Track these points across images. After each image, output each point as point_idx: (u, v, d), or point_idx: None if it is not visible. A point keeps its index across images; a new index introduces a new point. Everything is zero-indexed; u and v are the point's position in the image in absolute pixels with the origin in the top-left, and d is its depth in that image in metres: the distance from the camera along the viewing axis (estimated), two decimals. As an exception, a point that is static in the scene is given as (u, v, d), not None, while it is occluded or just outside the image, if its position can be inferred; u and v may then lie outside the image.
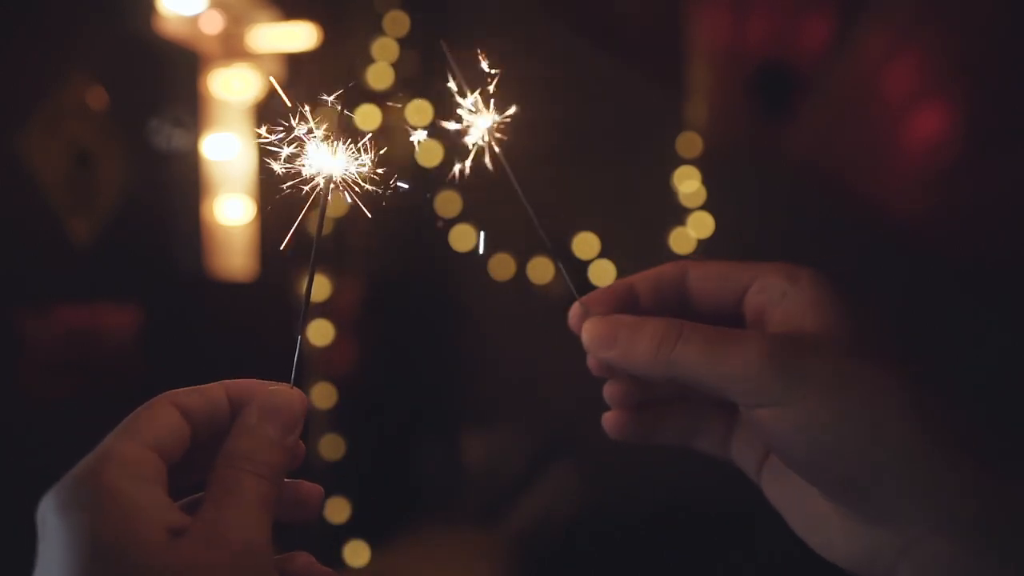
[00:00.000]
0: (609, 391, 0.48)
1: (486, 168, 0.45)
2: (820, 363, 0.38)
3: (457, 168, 0.45)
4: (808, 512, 0.42)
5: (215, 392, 0.40)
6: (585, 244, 2.33)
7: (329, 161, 0.43)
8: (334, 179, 0.43)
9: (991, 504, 0.35)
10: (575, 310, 0.46)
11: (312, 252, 0.43)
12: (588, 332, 0.44)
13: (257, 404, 0.39)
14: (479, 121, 0.45)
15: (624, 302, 0.46)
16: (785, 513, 0.44)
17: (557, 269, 0.46)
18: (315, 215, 0.43)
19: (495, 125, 0.45)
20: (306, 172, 0.43)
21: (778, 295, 0.42)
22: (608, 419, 0.48)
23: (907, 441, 0.36)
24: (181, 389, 0.40)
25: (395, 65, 2.15)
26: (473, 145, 0.45)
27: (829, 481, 0.38)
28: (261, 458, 0.38)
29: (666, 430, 0.48)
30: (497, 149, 0.45)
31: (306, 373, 2.02)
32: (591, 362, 0.46)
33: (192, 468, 0.39)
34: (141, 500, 0.34)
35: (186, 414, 0.39)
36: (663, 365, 0.41)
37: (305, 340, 0.44)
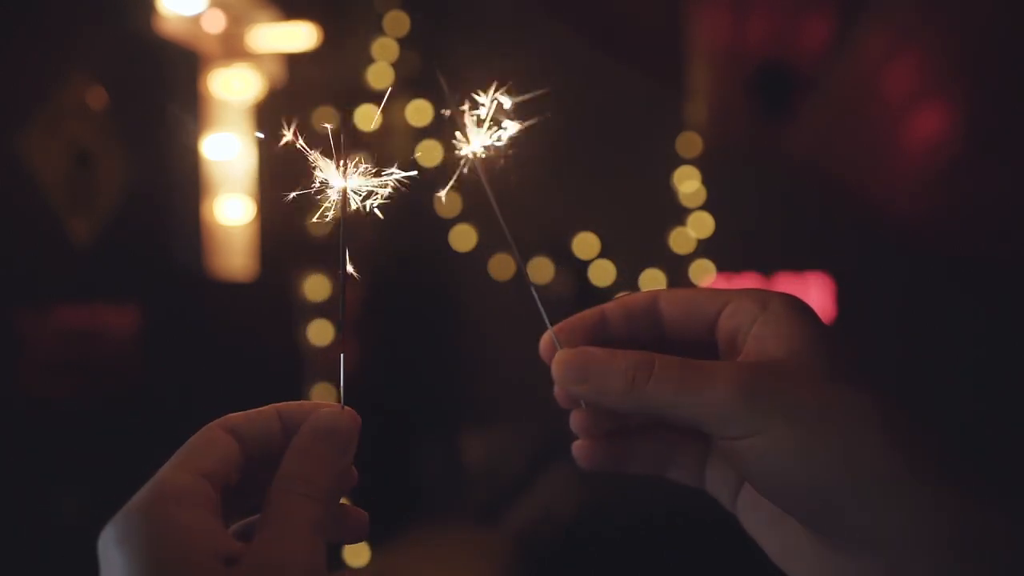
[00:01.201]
0: (576, 421, 0.47)
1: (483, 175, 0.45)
2: (791, 391, 0.38)
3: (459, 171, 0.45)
4: (785, 541, 0.42)
5: (267, 415, 0.41)
6: (585, 244, 2.33)
7: (341, 176, 0.43)
8: (348, 191, 0.43)
9: (966, 527, 0.35)
10: (546, 340, 0.45)
11: (341, 271, 0.43)
12: (558, 366, 0.43)
13: (310, 426, 0.40)
14: (472, 142, 0.45)
15: (596, 331, 0.45)
16: (762, 542, 0.44)
17: (531, 296, 0.45)
18: (327, 224, 0.43)
19: (487, 150, 0.45)
20: (318, 185, 0.43)
21: (749, 321, 0.41)
22: (577, 449, 0.47)
23: (882, 464, 0.36)
24: (233, 414, 0.40)
25: (395, 65, 2.15)
26: (466, 161, 0.45)
27: (804, 509, 0.38)
28: (315, 481, 0.38)
29: (637, 459, 0.48)
30: (484, 176, 0.45)
31: (307, 374, 2.02)
32: (558, 393, 0.45)
33: (247, 492, 0.39)
34: (195, 530, 0.34)
35: (239, 439, 0.39)
36: (636, 399, 0.40)
37: (345, 356, 0.44)
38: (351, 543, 0.43)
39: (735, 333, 0.42)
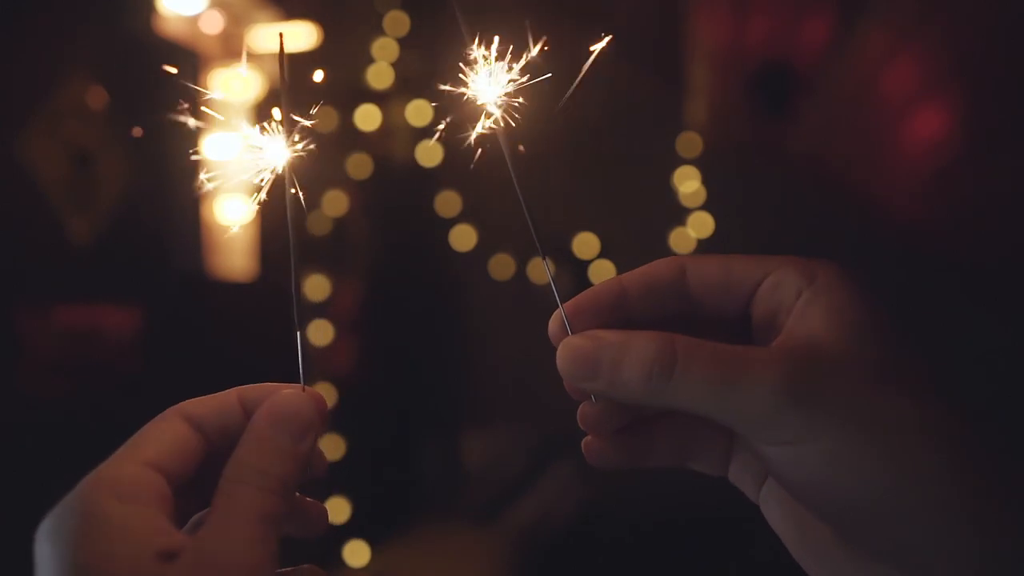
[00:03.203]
0: (584, 417, 0.41)
1: (488, 153, 0.42)
2: (842, 393, 0.34)
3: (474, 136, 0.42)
4: (811, 541, 0.39)
5: (227, 399, 0.38)
6: (585, 244, 2.33)
7: (277, 151, 0.41)
8: (284, 168, 0.42)
9: (1006, 552, 0.33)
10: (555, 320, 0.40)
11: (290, 243, 0.41)
12: (564, 357, 0.37)
13: (266, 410, 0.37)
14: (485, 89, 0.42)
15: (613, 307, 0.40)
16: (785, 538, 0.40)
17: (547, 269, 0.41)
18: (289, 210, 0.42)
19: (504, 98, 0.42)
20: (259, 165, 0.42)
21: (792, 295, 0.37)
22: (588, 446, 0.41)
23: (936, 487, 0.33)
24: (192, 400, 0.38)
25: (395, 65, 2.15)
26: (480, 116, 0.42)
27: (840, 518, 0.35)
28: (268, 470, 0.35)
29: (654, 453, 0.42)
30: (503, 123, 0.42)
31: (307, 373, 2.02)
32: (568, 385, 0.40)
33: (210, 482, 0.37)
34: (128, 524, 0.32)
35: (197, 425, 0.37)
36: (656, 396, 0.35)
37: (305, 338, 0.43)
38: (310, 537, 0.40)
39: (776, 310, 0.37)
